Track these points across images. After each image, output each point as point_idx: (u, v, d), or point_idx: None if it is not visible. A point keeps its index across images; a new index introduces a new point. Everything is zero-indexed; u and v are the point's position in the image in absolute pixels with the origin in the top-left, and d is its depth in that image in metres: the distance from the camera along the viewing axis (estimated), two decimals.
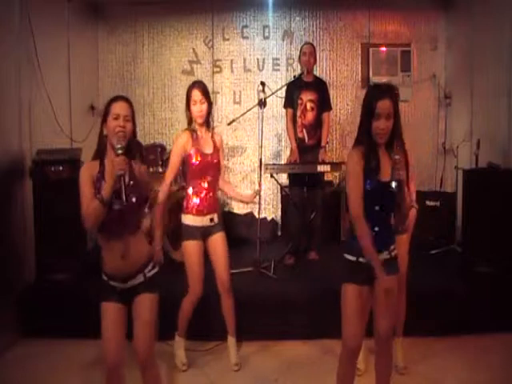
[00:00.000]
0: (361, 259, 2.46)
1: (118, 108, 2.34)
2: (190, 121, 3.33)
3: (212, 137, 3.38)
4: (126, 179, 2.29)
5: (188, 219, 3.30)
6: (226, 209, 5.92)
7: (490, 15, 4.78)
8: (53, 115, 4.50)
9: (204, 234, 3.33)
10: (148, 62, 5.98)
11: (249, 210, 5.87)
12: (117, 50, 5.96)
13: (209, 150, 3.32)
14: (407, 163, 3.24)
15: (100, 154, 2.38)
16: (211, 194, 3.33)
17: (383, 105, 2.38)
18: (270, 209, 5.99)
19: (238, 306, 3.43)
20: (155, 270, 2.50)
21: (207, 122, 3.35)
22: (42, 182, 3.98)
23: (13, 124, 3.94)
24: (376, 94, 2.44)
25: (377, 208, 2.46)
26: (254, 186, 5.71)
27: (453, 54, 5.74)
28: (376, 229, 2.45)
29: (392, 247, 2.53)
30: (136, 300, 2.42)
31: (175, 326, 3.43)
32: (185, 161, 3.30)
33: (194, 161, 3.27)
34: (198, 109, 3.26)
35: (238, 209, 5.94)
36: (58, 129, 4.61)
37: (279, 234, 5.76)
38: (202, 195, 3.30)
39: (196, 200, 3.29)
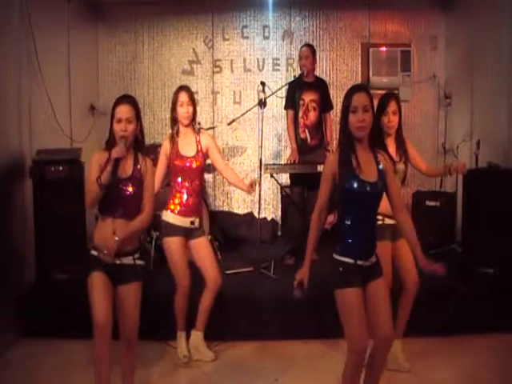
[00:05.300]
0: (359, 262, 2.47)
1: (120, 112, 2.58)
2: (174, 123, 3.40)
3: (197, 139, 3.42)
4: (121, 165, 2.55)
5: (169, 217, 3.35)
6: (226, 209, 5.92)
7: (490, 15, 4.77)
8: (53, 115, 4.50)
9: (186, 234, 3.37)
10: (148, 62, 5.96)
11: (249, 210, 5.87)
12: (117, 50, 5.94)
13: (190, 153, 3.38)
14: (406, 165, 3.24)
15: (109, 145, 2.62)
16: (193, 198, 3.38)
17: (359, 97, 2.40)
18: (269, 209, 5.97)
19: (238, 305, 3.43)
20: (142, 262, 2.68)
21: (193, 126, 3.43)
22: (42, 182, 3.97)
23: (13, 124, 3.93)
24: (352, 90, 2.48)
25: (362, 210, 2.46)
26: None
27: (453, 53, 5.73)
28: (363, 234, 2.47)
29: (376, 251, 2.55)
30: (123, 290, 2.58)
31: (175, 326, 3.43)
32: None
33: (173, 163, 3.36)
34: (185, 110, 3.35)
35: (238, 209, 5.93)
36: (58, 129, 4.60)
37: (279, 234, 5.75)
38: (184, 197, 3.36)
39: (177, 201, 3.36)
